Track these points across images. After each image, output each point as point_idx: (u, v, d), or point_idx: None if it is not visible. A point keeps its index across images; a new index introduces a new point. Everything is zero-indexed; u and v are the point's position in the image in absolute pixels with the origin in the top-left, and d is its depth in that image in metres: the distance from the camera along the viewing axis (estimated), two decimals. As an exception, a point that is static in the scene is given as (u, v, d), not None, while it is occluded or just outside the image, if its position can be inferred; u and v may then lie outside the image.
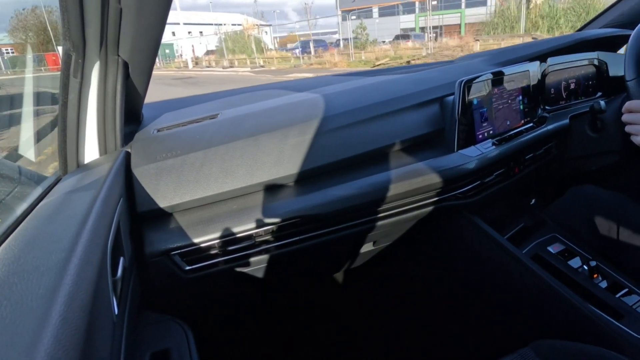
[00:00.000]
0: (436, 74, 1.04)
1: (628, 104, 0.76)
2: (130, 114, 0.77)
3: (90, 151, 0.68)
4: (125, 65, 0.65)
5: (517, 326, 0.96)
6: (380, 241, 0.92)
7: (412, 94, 0.90)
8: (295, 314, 1.24)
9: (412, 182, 0.80)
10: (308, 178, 0.78)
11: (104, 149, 0.68)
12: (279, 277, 0.83)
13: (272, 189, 0.75)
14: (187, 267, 0.69)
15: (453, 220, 0.98)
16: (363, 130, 0.82)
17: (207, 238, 0.68)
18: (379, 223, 0.83)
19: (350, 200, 0.76)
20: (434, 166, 0.83)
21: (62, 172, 0.67)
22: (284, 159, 0.74)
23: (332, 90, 0.92)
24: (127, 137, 0.74)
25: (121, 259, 0.54)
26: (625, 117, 0.76)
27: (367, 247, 0.91)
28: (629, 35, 0.88)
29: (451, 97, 0.90)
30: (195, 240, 0.68)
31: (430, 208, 0.87)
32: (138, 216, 0.67)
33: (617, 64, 1.25)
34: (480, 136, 0.92)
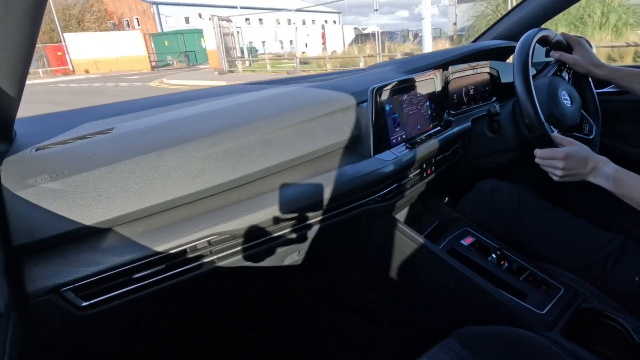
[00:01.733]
0: (349, 81, 1.06)
1: (539, 153, 0.91)
2: None
3: (-55, 177, 0.56)
4: None
5: (440, 318, 1.01)
6: (302, 251, 0.90)
7: (326, 102, 0.91)
8: (214, 339, 1.16)
9: (331, 189, 0.80)
10: (221, 193, 0.73)
11: None
12: (194, 303, 0.76)
13: (180, 207, 0.69)
14: (84, 303, 0.60)
15: (373, 223, 1.00)
16: (278, 140, 0.80)
17: (105, 267, 0.60)
18: (301, 233, 0.81)
19: (271, 212, 0.73)
20: (352, 172, 0.84)
21: None
22: (193, 174, 0.69)
23: (244, 100, 0.89)
24: None
25: None
26: (537, 161, 0.92)
27: (289, 260, 0.89)
28: (515, 47, 0.99)
29: (365, 104, 0.92)
30: (92, 271, 0.59)
31: (351, 213, 0.88)
32: (15, 250, 0.57)
33: (507, 71, 1.41)
34: (394, 141, 0.96)
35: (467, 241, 1.05)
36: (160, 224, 0.66)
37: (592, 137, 1.15)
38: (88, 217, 0.60)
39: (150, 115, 0.81)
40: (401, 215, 1.04)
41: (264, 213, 0.72)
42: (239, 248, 0.73)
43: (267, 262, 0.81)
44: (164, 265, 0.65)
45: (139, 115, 0.83)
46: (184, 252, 0.67)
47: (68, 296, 0.58)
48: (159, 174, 0.66)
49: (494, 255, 1.00)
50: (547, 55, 1.20)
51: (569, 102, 1.11)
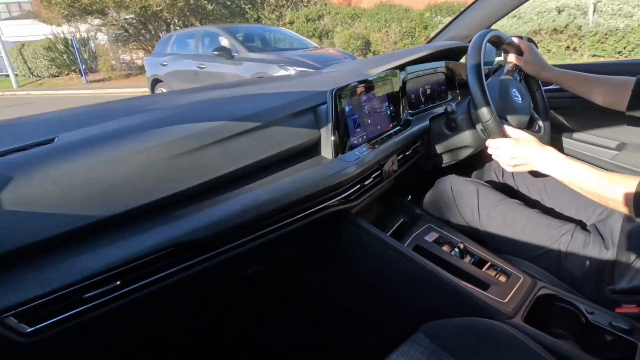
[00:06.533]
0: (308, 84, 1.06)
1: (491, 143, 0.95)
2: None
3: None
4: None
5: (408, 314, 1.02)
6: (268, 257, 0.89)
7: (285, 105, 0.90)
8: (178, 354, 1.12)
9: (294, 193, 0.79)
10: (182, 200, 0.70)
11: None
12: (153, 319, 0.73)
13: (138, 217, 0.66)
14: (29, 329, 0.55)
15: (337, 225, 1.00)
16: (236, 145, 0.78)
17: (52, 287, 0.55)
18: (266, 238, 0.80)
19: (234, 219, 0.71)
20: (314, 175, 0.84)
21: None
22: (150, 182, 0.65)
23: (197, 105, 0.86)
24: None
25: None
26: (490, 151, 0.96)
27: (254, 267, 0.87)
28: (467, 47, 1.03)
29: (324, 106, 0.92)
30: (38, 293, 0.54)
31: (315, 216, 0.87)
32: None
33: (461, 71, 1.47)
34: (355, 141, 0.97)
35: (431, 237, 1.07)
36: (113, 238, 0.62)
37: (541, 134, 1.22)
38: (29, 235, 0.56)
39: (92, 124, 0.76)
40: (365, 216, 1.05)
41: (224, 222, 0.70)
42: (198, 259, 0.70)
43: (229, 273, 0.79)
44: (118, 282, 0.62)
45: (80, 123, 0.77)
46: (140, 266, 0.63)
47: (9, 322, 0.53)
48: (110, 186, 0.62)
49: (457, 250, 1.02)
50: (498, 54, 1.25)
51: (520, 99, 1.17)
